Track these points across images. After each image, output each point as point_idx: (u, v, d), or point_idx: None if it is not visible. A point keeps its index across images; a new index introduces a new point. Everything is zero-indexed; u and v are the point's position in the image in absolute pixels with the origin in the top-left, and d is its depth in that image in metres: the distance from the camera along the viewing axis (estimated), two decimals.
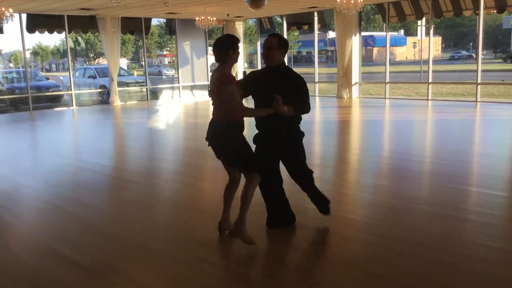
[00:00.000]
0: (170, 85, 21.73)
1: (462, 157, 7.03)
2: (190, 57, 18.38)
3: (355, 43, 15.38)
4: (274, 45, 3.92)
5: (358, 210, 4.88)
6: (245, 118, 3.89)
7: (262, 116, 3.98)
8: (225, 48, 3.76)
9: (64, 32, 15.21)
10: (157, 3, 12.69)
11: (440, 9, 14.33)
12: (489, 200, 4.95)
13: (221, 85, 3.74)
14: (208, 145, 3.95)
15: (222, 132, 3.82)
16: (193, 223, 4.49)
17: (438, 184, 5.61)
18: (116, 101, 16.13)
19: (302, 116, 4.13)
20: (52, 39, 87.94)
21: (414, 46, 44.80)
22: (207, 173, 6.74)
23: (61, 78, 23.19)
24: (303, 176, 4.20)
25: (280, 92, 3.80)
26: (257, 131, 4.14)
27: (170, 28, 18.78)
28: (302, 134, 4.12)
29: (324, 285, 3.27)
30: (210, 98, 3.92)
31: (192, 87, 18.72)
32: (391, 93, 15.97)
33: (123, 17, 15.68)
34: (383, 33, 17.75)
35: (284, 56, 4.08)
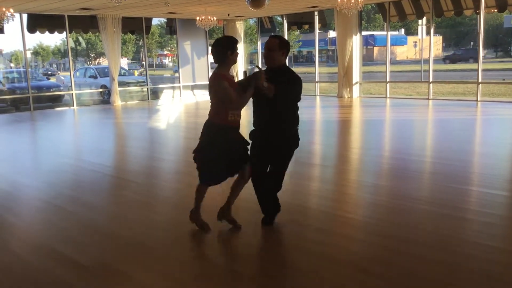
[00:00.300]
0: (171, 85, 21.73)
1: (462, 156, 7.02)
2: (191, 56, 18.38)
3: (355, 42, 15.36)
4: (275, 46, 3.92)
5: (358, 209, 4.88)
6: (242, 120, 3.92)
7: (263, 115, 3.98)
8: (223, 50, 3.78)
9: (64, 32, 15.21)
10: (157, 3, 12.68)
11: (441, 9, 14.31)
12: (490, 200, 4.95)
13: (215, 83, 3.76)
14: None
15: (208, 132, 3.89)
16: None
17: (438, 184, 5.60)
18: (117, 101, 16.12)
19: (301, 115, 4.13)
20: (53, 39, 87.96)
21: (415, 46, 44.75)
22: None
23: (62, 78, 23.20)
24: (278, 179, 4.18)
25: (281, 92, 3.81)
26: (254, 128, 4.15)
27: (170, 28, 18.77)
28: (297, 143, 4.11)
29: (325, 284, 3.27)
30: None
31: (193, 87, 18.72)
32: (391, 93, 15.94)
33: (124, 17, 15.68)
34: (384, 33, 17.73)
35: (286, 58, 4.06)
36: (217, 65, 3.87)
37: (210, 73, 18.29)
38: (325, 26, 19.27)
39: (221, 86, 3.75)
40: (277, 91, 3.78)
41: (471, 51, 36.82)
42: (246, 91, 3.85)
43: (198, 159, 4.01)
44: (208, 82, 4.04)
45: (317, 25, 16.75)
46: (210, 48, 18.08)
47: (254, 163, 4.10)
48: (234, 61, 3.86)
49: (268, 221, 4.22)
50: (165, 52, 55.12)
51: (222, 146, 3.86)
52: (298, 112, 4.10)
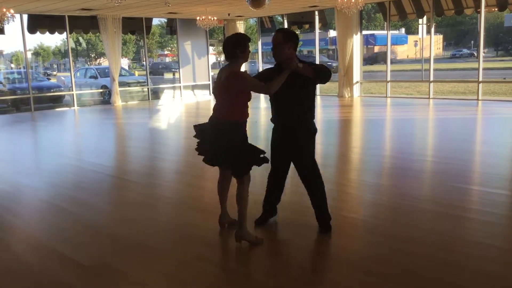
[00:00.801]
0: (171, 85, 21.73)
1: (463, 155, 7.02)
2: (191, 56, 18.38)
3: (356, 42, 15.36)
4: (280, 40, 3.86)
5: (360, 209, 4.87)
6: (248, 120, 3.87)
7: (282, 108, 3.96)
8: (233, 47, 3.72)
9: (65, 33, 15.21)
10: (158, 3, 12.68)
11: (441, 8, 14.30)
12: (491, 199, 4.93)
13: (236, 82, 3.69)
14: (197, 144, 3.96)
15: (222, 131, 3.79)
16: (194, 222, 4.49)
17: (440, 183, 5.59)
18: (118, 101, 16.13)
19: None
20: (53, 40, 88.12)
21: (415, 45, 44.72)
22: (208, 172, 6.71)
23: (62, 78, 23.20)
24: (312, 174, 4.10)
25: (296, 83, 3.78)
26: (274, 125, 4.12)
27: (171, 28, 18.77)
28: (316, 130, 4.07)
29: (327, 284, 3.26)
30: (214, 95, 3.91)
31: (193, 87, 18.72)
32: (392, 92, 15.94)
33: (124, 17, 15.68)
34: (384, 32, 17.71)
35: (295, 50, 3.94)
36: (228, 63, 3.81)
37: (211, 73, 18.15)
38: (326, 25, 19.26)
39: (248, 82, 3.71)
40: (310, 70, 3.73)
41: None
42: (276, 78, 3.75)
43: (223, 162, 3.87)
44: (214, 80, 3.97)
45: (317, 25, 16.74)
46: (210, 48, 17.94)
47: (274, 159, 4.08)
48: (245, 59, 3.79)
49: (261, 222, 4.23)
50: (166, 52, 55.15)
51: (235, 142, 3.80)
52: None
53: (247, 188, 3.83)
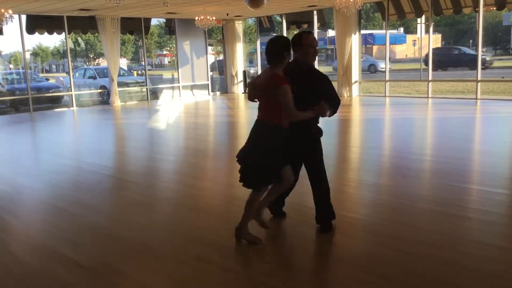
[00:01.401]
0: (170, 85, 21.71)
1: (462, 155, 7.02)
2: (190, 56, 18.37)
3: (354, 41, 15.36)
4: (316, 43, 3.96)
5: (359, 208, 4.88)
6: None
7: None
8: (282, 50, 3.68)
9: (63, 33, 15.21)
10: (156, 3, 12.67)
11: (440, 7, 14.31)
12: (491, 198, 4.94)
13: (276, 86, 3.62)
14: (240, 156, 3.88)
15: (262, 131, 3.74)
16: (194, 222, 4.49)
17: (439, 182, 5.60)
18: (116, 102, 16.12)
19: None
20: (52, 40, 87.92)
21: (414, 44, 44.76)
22: (208, 173, 6.74)
23: (61, 79, 23.18)
24: (321, 179, 4.05)
25: (307, 87, 3.82)
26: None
27: (169, 28, 18.76)
28: (321, 133, 4.07)
29: (326, 284, 3.26)
30: (251, 99, 3.93)
31: (192, 87, 18.71)
32: (391, 91, 15.94)
33: (123, 17, 15.67)
34: (383, 31, 17.74)
35: None
36: (270, 65, 3.71)
37: (210, 73, 18.09)
38: (324, 25, 19.25)
39: (284, 93, 3.59)
40: (332, 112, 3.88)
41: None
42: (306, 112, 3.73)
43: (257, 165, 3.73)
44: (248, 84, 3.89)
45: (316, 24, 16.74)
46: (209, 48, 17.87)
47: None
48: (287, 62, 3.78)
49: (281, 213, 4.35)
50: (164, 52, 55.10)
51: (269, 144, 3.73)
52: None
53: (259, 198, 3.84)
